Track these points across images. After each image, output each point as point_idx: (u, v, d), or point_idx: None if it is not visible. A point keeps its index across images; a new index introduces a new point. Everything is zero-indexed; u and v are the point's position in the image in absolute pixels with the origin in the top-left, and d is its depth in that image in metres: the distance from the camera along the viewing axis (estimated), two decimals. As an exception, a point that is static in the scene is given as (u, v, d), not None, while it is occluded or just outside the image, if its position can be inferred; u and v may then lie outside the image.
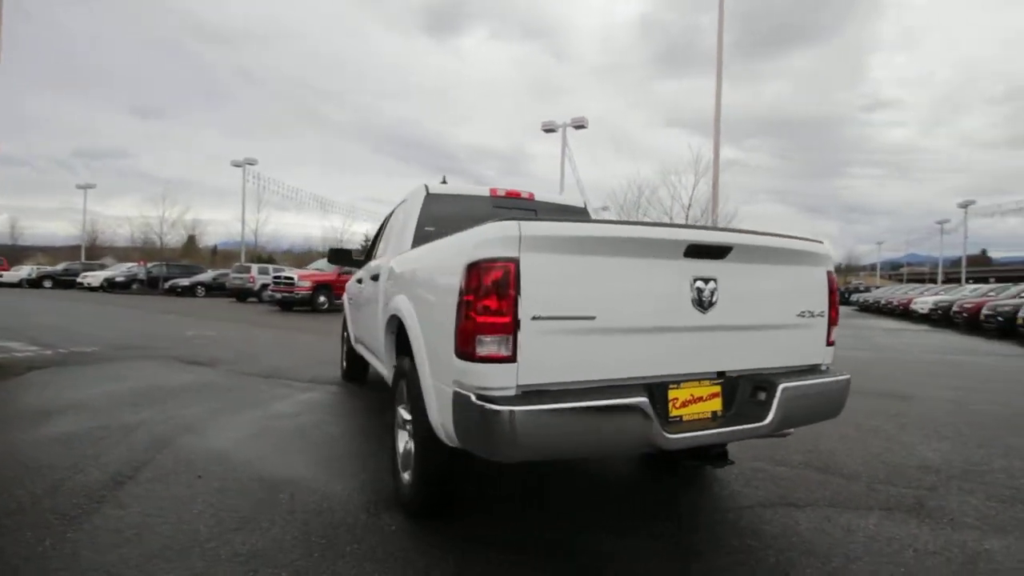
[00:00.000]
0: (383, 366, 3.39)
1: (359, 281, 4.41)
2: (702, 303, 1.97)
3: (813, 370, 2.34)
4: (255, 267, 21.32)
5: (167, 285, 24.85)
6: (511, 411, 1.63)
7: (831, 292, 2.35)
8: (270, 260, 33.26)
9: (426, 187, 3.51)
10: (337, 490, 2.73)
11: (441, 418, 2.02)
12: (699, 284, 1.97)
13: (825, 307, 2.33)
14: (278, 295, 15.90)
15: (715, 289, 1.99)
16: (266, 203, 36.27)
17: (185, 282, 24.76)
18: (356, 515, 2.46)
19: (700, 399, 2.03)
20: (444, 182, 3.67)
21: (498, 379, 1.71)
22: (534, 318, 1.72)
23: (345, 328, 5.79)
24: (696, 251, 1.94)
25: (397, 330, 2.87)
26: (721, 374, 2.10)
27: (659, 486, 2.94)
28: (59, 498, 2.54)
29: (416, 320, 2.24)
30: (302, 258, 47.93)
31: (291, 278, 15.50)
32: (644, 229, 1.88)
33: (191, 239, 54.92)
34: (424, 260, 2.27)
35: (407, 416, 2.54)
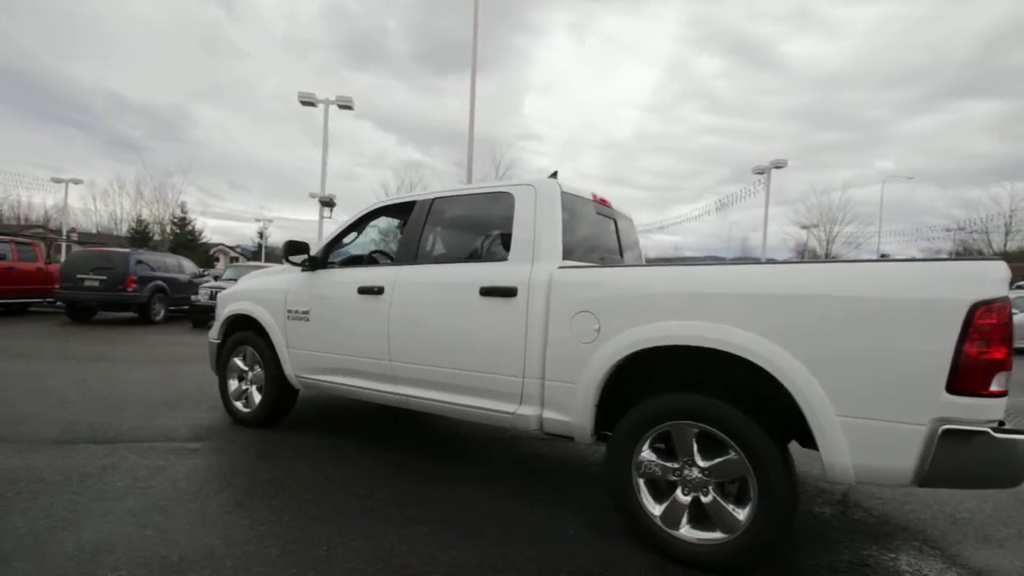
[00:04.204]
0: (520, 405, 2.68)
1: (376, 291, 3.23)
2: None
3: None
4: None
5: None
6: (1031, 440, 1.75)
7: None
8: None
9: (559, 184, 2.92)
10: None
11: (861, 457, 1.91)
12: None
13: None
14: None
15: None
16: None
17: None
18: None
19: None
20: (555, 175, 3.09)
21: (998, 412, 1.78)
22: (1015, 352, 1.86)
23: (237, 354, 4.06)
24: None
25: (619, 367, 2.39)
26: None
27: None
28: None
29: (804, 358, 1.97)
30: None
31: None
32: None
33: None
34: (838, 286, 1.96)
35: (709, 462, 2.18)
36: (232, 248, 62.98)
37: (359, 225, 3.76)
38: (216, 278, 13.79)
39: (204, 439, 3.64)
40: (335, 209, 19.23)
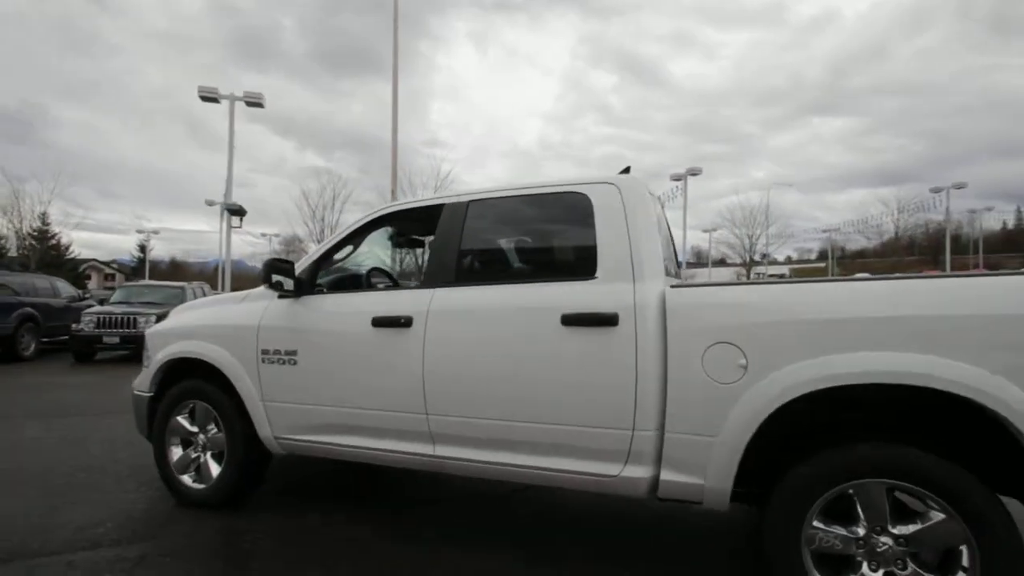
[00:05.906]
0: (626, 466, 2.07)
1: (401, 322, 2.47)
2: None
3: None
4: None
5: None
6: None
7: None
8: None
9: (647, 187, 2.36)
10: None
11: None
12: None
13: None
14: None
15: None
16: None
17: None
18: None
19: None
20: (627, 170, 2.53)
21: None
22: None
23: (180, 411, 3.05)
24: None
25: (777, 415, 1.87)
26: None
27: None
28: None
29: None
30: None
31: None
32: None
33: None
34: None
35: (905, 528, 1.71)
36: (107, 264, 55.64)
37: (356, 237, 2.94)
38: (103, 302, 11.63)
39: (145, 538, 2.62)
40: (244, 218, 17.33)
